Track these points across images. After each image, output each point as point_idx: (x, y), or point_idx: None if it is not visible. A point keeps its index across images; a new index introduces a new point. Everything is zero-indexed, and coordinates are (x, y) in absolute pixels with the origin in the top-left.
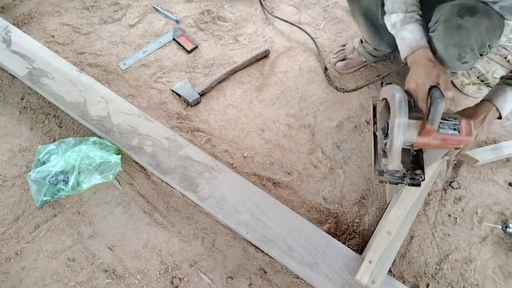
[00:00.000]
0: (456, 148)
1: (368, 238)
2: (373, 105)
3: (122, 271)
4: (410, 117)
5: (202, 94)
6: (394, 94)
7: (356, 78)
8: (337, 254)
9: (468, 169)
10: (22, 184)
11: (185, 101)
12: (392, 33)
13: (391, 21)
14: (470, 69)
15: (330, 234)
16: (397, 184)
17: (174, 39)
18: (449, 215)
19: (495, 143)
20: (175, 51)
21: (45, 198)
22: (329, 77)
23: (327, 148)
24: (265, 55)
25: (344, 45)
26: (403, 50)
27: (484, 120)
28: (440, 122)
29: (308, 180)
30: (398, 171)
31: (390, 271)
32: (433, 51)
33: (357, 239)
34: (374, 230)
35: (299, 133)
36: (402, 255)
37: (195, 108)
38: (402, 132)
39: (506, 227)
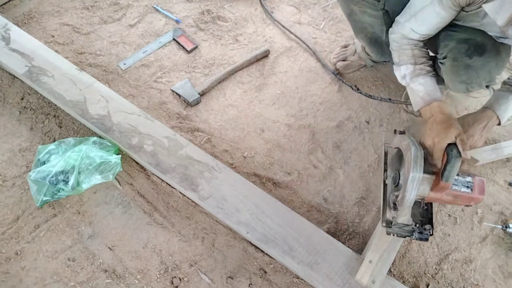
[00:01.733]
0: (467, 205)
1: (368, 238)
2: (385, 152)
3: (122, 271)
4: (424, 171)
5: (202, 94)
6: (410, 147)
7: (356, 78)
8: (337, 254)
9: (468, 169)
10: (22, 184)
11: (185, 101)
12: (403, 83)
13: (401, 73)
14: None
15: (330, 234)
16: (404, 237)
17: (174, 39)
18: (449, 215)
19: (495, 143)
20: (175, 51)
21: (45, 198)
22: (340, 75)
23: (327, 148)
24: (265, 55)
25: (345, 46)
26: (416, 102)
27: (485, 128)
28: (454, 179)
29: (308, 180)
30: (407, 225)
31: (390, 271)
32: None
33: (357, 239)
34: (374, 230)
35: (299, 133)
36: (402, 255)
37: (195, 108)
38: (416, 186)
39: (506, 227)
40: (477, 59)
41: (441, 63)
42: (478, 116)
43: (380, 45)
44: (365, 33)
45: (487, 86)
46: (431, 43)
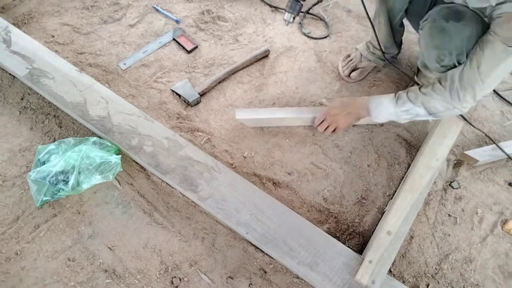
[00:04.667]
0: None
1: (368, 238)
2: None
3: (122, 271)
4: None
5: (202, 94)
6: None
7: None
8: (337, 254)
9: (468, 169)
10: (22, 184)
11: (185, 101)
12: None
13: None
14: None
15: (330, 234)
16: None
17: (174, 39)
18: (449, 215)
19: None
20: (175, 51)
21: (45, 198)
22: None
23: (327, 148)
24: (265, 55)
25: (348, 56)
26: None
27: (349, 107)
28: None
29: (308, 180)
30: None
31: (390, 271)
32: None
33: (357, 239)
34: (374, 230)
35: (299, 133)
36: (402, 255)
37: (195, 108)
38: None
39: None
40: (453, 24)
41: (421, 29)
42: (351, 100)
43: (392, 29)
44: (388, 5)
45: (459, 63)
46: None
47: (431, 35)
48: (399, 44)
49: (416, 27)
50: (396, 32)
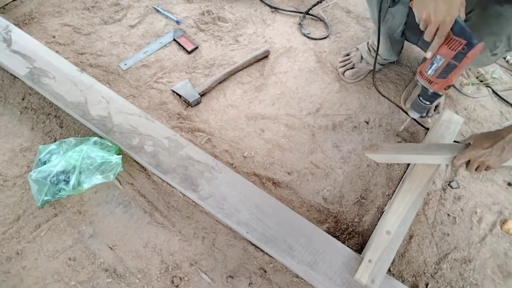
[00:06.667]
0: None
1: (367, 237)
2: None
3: (123, 271)
4: None
5: (202, 95)
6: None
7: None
8: (337, 254)
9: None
10: (23, 183)
11: (185, 101)
12: None
13: None
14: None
15: (329, 234)
16: None
17: (174, 40)
18: (448, 214)
19: None
20: (175, 51)
21: (46, 198)
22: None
23: (327, 148)
24: (265, 56)
25: (348, 54)
26: None
27: (496, 144)
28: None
29: (308, 180)
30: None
31: (389, 270)
32: None
33: (357, 239)
34: (374, 229)
35: (299, 133)
36: (401, 255)
37: (195, 108)
38: None
39: None
40: (509, 7)
41: (465, 21)
42: (500, 131)
43: (390, 43)
44: (388, 25)
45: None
46: None
47: (485, 23)
48: (398, 52)
49: (414, 39)
50: (396, 44)
